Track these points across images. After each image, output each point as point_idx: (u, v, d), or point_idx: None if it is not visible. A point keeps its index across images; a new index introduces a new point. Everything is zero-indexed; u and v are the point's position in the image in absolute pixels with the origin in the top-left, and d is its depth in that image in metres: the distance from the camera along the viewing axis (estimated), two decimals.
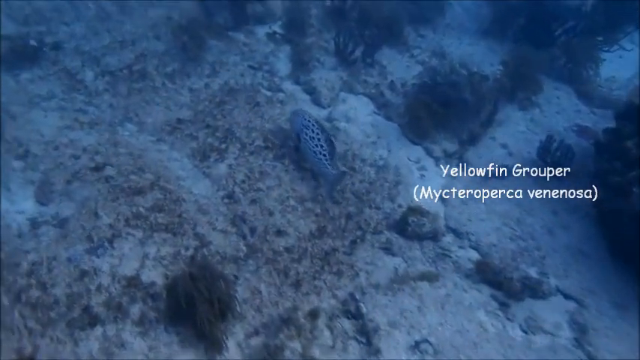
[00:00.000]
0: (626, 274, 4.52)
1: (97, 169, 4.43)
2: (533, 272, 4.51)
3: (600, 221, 4.88)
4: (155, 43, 6.02)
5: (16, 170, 4.31)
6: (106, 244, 3.88)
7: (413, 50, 6.95)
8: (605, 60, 6.91)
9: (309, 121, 4.81)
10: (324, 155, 4.70)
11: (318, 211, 4.68)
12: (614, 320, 4.22)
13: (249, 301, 3.83)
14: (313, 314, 3.79)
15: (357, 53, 6.38)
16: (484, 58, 6.99)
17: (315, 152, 4.73)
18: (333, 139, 4.94)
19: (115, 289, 3.62)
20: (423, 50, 6.99)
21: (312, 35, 6.70)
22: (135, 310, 3.54)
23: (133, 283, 3.68)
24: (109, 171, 4.44)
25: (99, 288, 3.58)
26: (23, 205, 4.08)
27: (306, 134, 4.77)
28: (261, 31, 6.63)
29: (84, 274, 3.63)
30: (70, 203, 4.13)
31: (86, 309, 3.44)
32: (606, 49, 6.94)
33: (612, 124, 5.33)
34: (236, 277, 3.95)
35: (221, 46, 6.25)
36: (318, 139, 4.72)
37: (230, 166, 4.85)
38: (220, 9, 6.55)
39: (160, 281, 3.74)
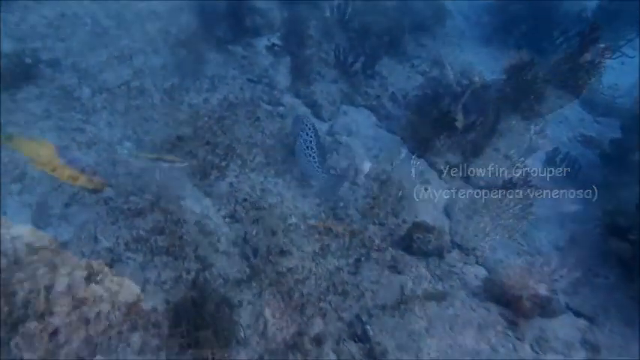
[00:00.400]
0: (637, 289, 4.42)
1: (96, 190, 4.33)
2: (542, 289, 4.41)
3: (609, 235, 4.79)
4: (153, 57, 5.93)
5: (13, 193, 4.21)
6: (106, 269, 3.79)
7: (413, 60, 6.88)
8: (606, 67, 6.85)
9: (306, 125, 4.86)
10: (313, 158, 4.74)
11: (321, 228, 4.59)
12: (627, 339, 4.13)
13: (253, 326, 3.74)
14: (319, 339, 3.70)
15: (358, 65, 6.30)
16: (486, 67, 6.93)
17: (305, 154, 4.76)
18: (331, 151, 4.93)
19: (115, 316, 3.51)
20: (423, 60, 6.92)
21: (311, 47, 6.62)
22: (136, 338, 3.45)
23: (133, 310, 3.57)
24: (108, 192, 4.35)
25: (98, 316, 3.48)
26: (20, 230, 3.97)
27: (301, 137, 4.79)
28: (260, 43, 6.55)
29: (82, 302, 3.53)
30: (69, 227, 4.03)
31: (85, 339, 3.34)
32: (608, 56, 6.87)
33: (616, 134, 5.27)
34: (239, 302, 3.85)
35: (220, 59, 6.17)
36: (310, 142, 4.76)
37: (231, 184, 4.77)
38: (218, 22, 6.47)
39: (161, 307, 3.64)
